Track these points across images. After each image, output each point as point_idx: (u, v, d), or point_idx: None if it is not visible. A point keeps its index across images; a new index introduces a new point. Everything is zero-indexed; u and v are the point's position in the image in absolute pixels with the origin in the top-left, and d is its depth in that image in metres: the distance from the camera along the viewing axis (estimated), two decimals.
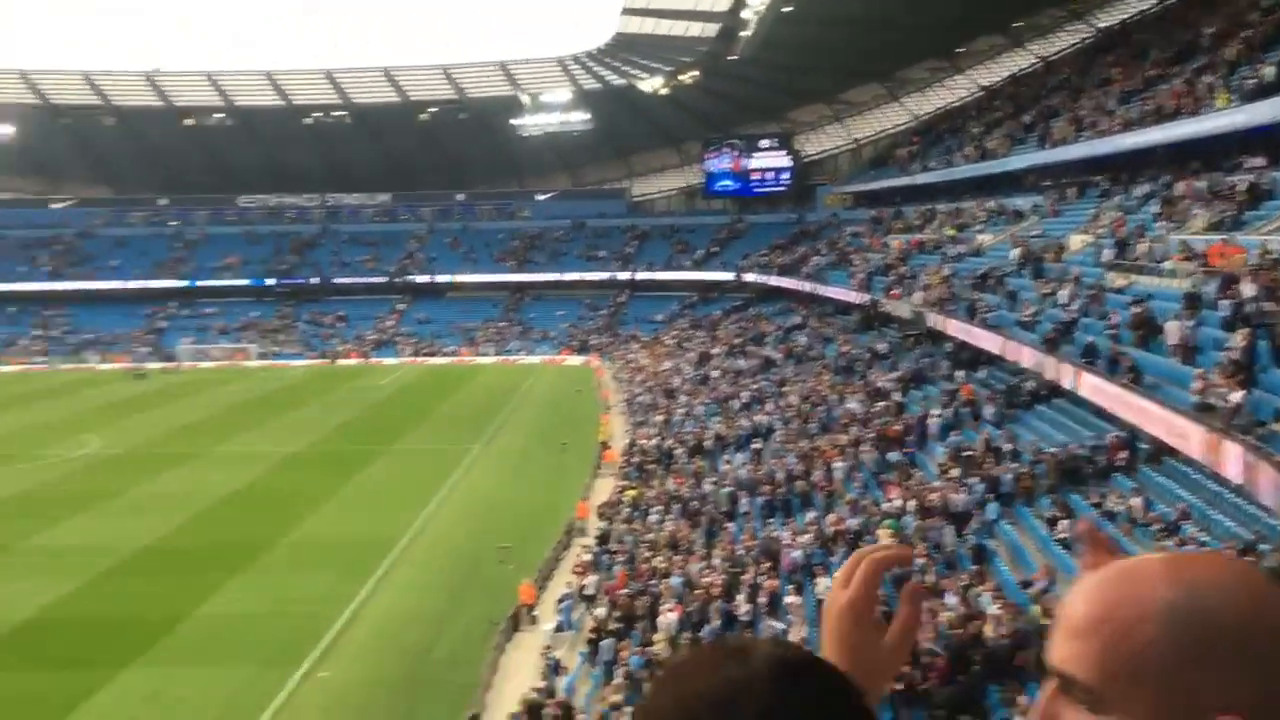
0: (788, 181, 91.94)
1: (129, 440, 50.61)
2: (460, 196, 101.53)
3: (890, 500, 28.06)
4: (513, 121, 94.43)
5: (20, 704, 22.34)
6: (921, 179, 66.26)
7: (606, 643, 23.22)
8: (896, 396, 38.58)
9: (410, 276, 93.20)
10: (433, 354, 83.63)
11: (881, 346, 47.63)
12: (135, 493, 40.32)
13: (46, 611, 27.71)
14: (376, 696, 22.96)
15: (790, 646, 1.23)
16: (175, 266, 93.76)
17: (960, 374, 38.07)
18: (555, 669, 23.06)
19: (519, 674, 23.82)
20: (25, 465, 45.64)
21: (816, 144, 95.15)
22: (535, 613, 27.22)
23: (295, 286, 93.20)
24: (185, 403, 62.64)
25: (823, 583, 23.97)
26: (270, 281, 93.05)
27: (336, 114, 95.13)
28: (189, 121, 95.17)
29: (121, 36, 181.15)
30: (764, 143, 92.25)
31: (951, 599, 20.80)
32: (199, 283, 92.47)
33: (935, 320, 40.66)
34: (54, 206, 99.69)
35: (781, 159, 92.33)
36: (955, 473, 28.31)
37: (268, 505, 38.34)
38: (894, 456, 32.22)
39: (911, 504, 26.88)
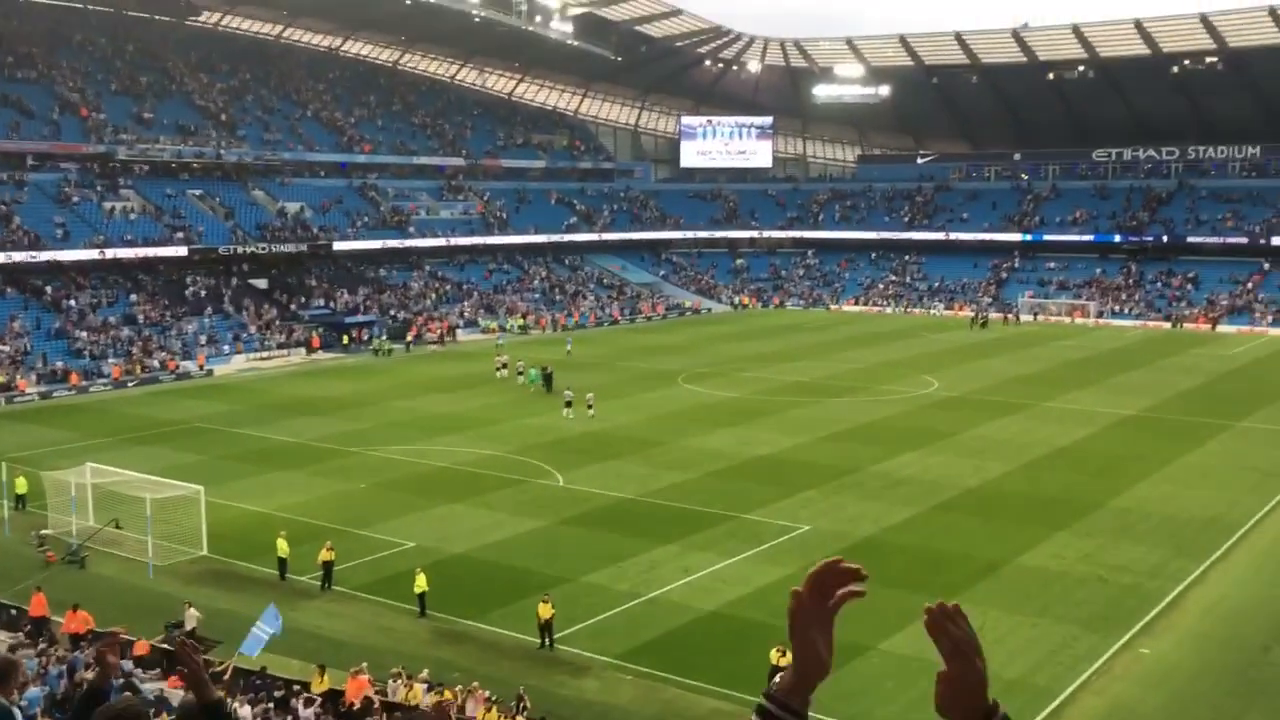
0: None
1: (964, 385, 52.79)
2: None
3: None
4: None
5: (861, 612, 24.57)
6: None
7: None
8: None
9: (1278, 237, 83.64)
10: None
11: None
12: (966, 436, 41.99)
13: (885, 534, 30.16)
14: (1201, 686, 21.21)
15: None
16: (1021, 220, 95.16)
17: None
18: None
19: None
20: (870, 398, 50.03)
21: None
22: None
23: (1143, 244, 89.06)
24: (1020, 355, 63.54)
25: None
26: (1116, 238, 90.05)
27: (1209, 60, 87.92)
28: (1050, 76, 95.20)
29: None
30: None
31: None
32: (1044, 236, 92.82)
33: None
34: (918, 162, 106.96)
35: None
36: None
37: (1095, 466, 37.41)
38: None
39: None
